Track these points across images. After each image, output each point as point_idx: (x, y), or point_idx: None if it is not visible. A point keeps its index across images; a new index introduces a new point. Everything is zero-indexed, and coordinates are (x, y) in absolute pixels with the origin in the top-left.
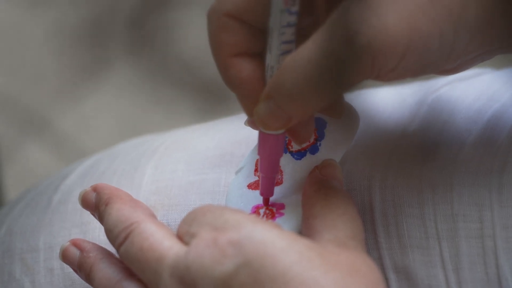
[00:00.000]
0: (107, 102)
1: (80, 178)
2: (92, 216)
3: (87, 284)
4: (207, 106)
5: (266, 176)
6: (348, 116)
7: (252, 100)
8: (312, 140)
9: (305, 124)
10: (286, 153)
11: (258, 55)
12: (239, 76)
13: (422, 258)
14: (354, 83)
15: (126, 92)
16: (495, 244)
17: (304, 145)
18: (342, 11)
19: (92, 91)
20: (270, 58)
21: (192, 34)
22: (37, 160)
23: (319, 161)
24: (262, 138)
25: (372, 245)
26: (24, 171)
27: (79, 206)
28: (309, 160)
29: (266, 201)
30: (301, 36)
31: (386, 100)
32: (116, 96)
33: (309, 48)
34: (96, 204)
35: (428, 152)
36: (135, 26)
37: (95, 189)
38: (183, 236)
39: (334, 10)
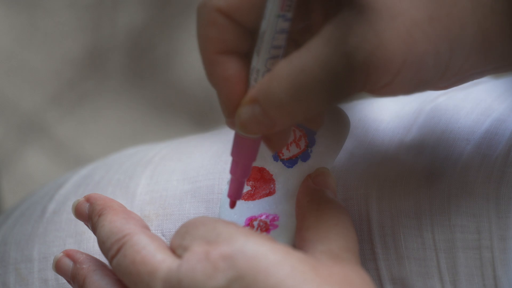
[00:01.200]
0: (105, 108)
1: (75, 188)
2: (86, 226)
3: None
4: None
5: (237, 179)
6: (338, 120)
7: (232, 100)
8: (303, 147)
9: (282, 132)
10: (277, 161)
11: (244, 55)
12: (223, 74)
13: (419, 270)
14: (346, 96)
15: (125, 99)
16: (493, 255)
17: (295, 152)
18: (339, 23)
19: (90, 96)
20: (257, 61)
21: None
22: (35, 166)
23: (311, 168)
24: (237, 140)
25: (368, 256)
26: (22, 176)
27: (73, 216)
28: (301, 168)
29: (232, 204)
30: (291, 40)
31: (384, 108)
32: (114, 101)
33: (303, 57)
34: (89, 214)
35: (426, 162)
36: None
37: (88, 199)
38: (176, 249)
39: (331, 21)
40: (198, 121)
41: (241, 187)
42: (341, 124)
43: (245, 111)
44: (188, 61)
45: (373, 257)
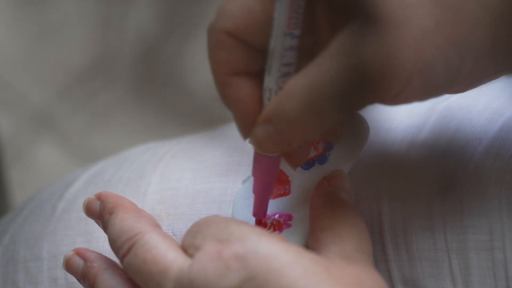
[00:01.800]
0: (115, 102)
1: (85, 186)
2: (96, 225)
3: None
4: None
5: (259, 198)
6: (357, 126)
7: (248, 120)
8: (321, 150)
9: (301, 147)
10: None
11: (257, 75)
12: (236, 95)
13: (431, 271)
14: (358, 109)
15: (135, 95)
16: (505, 256)
17: (312, 155)
18: (346, 36)
19: (100, 91)
20: (269, 80)
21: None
22: (45, 160)
23: (328, 171)
24: (257, 159)
25: (380, 257)
26: (32, 170)
27: (83, 214)
28: (318, 171)
29: (258, 222)
30: (301, 56)
31: (396, 107)
32: (124, 97)
33: (313, 74)
34: (100, 213)
35: (438, 162)
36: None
37: (99, 197)
38: (187, 248)
39: (337, 34)
40: (207, 118)
41: (265, 204)
42: (360, 129)
43: (259, 131)
44: (199, 58)
45: (384, 258)
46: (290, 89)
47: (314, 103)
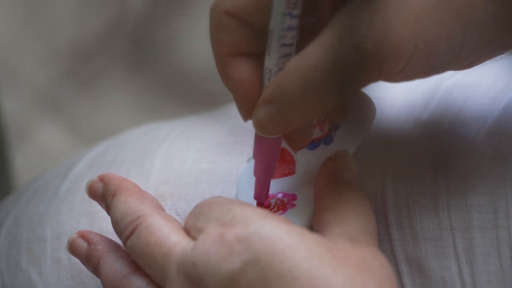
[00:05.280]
0: (122, 84)
1: (88, 166)
2: (100, 206)
3: (94, 275)
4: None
5: (261, 180)
6: (363, 106)
7: (249, 102)
8: (326, 130)
9: (302, 130)
10: None
11: (258, 56)
12: (236, 76)
13: (435, 250)
14: (360, 87)
15: (137, 76)
16: (510, 235)
17: (318, 135)
18: (347, 14)
19: (104, 72)
20: (269, 61)
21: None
22: (48, 141)
23: (333, 152)
24: (258, 141)
25: (384, 237)
26: (35, 152)
27: (87, 196)
28: (323, 151)
29: (259, 205)
30: (304, 37)
31: (400, 86)
32: (127, 77)
33: (315, 53)
34: (103, 195)
35: (443, 141)
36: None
37: (102, 179)
38: (190, 230)
39: (338, 12)
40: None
41: (266, 187)
42: (366, 110)
43: (260, 112)
44: (200, 38)
45: (388, 238)
46: (291, 69)
47: (315, 82)
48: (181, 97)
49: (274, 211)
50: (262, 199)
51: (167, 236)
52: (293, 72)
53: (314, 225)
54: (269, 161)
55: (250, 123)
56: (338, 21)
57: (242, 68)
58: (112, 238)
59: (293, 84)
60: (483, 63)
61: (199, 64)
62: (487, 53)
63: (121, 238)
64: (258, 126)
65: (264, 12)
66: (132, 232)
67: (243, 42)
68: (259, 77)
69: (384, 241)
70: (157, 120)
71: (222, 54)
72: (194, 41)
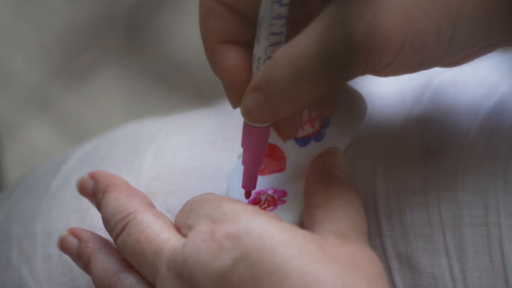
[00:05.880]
0: (108, 81)
1: (79, 163)
2: (90, 203)
3: (85, 272)
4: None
5: (249, 169)
6: (355, 103)
7: (238, 89)
8: (317, 127)
9: (291, 119)
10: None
11: (247, 44)
12: (226, 63)
13: (426, 246)
14: (348, 79)
15: (127, 73)
16: (500, 232)
17: (309, 132)
18: (336, 5)
19: (93, 70)
20: (258, 49)
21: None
22: (38, 139)
23: (324, 148)
24: (246, 130)
25: (374, 233)
26: (25, 150)
27: (77, 192)
28: (314, 148)
29: (248, 194)
30: (294, 28)
31: (390, 83)
32: (117, 74)
33: (303, 42)
34: (93, 192)
35: (433, 137)
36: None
37: (92, 176)
38: (180, 227)
39: (329, 3)
40: (200, 93)
41: (254, 176)
42: (357, 107)
43: (248, 99)
44: (191, 31)
45: (378, 234)
46: (279, 57)
47: (303, 71)
48: (174, 90)
49: (265, 207)
50: (250, 188)
51: (158, 233)
52: (282, 61)
53: (304, 222)
54: (257, 150)
55: (241, 120)
56: (328, 12)
57: (231, 55)
58: (103, 235)
59: (281, 72)
60: (473, 61)
61: (192, 56)
62: (476, 50)
63: (111, 235)
64: (246, 114)
65: (253, 0)
66: (122, 229)
67: (232, 29)
68: (249, 65)
69: (375, 237)
70: (149, 115)
71: (211, 41)
72: (187, 33)
